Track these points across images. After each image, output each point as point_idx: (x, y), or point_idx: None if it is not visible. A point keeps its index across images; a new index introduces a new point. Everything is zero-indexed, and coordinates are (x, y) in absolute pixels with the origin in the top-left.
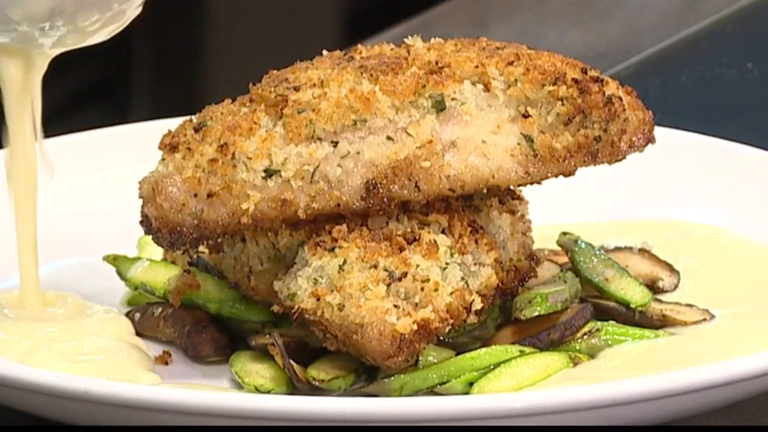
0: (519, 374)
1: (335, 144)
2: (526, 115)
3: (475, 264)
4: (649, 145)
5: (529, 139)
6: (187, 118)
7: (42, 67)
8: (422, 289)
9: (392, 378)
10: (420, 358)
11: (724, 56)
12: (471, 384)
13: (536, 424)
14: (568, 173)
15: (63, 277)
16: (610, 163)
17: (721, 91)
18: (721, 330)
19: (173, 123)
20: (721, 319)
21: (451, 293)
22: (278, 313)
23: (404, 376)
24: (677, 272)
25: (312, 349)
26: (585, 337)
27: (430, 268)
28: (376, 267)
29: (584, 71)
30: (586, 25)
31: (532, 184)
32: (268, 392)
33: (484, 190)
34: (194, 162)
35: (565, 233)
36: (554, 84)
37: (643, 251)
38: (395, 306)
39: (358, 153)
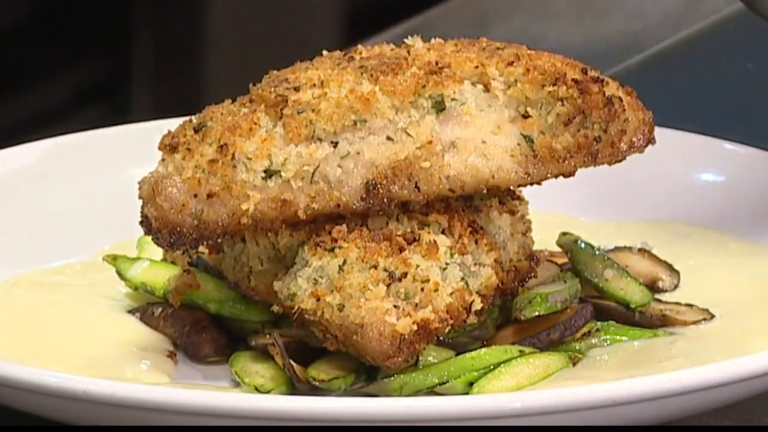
0: (519, 374)
1: (335, 144)
2: (526, 116)
3: (475, 264)
4: (649, 145)
5: (529, 140)
6: (187, 118)
7: None
8: (422, 289)
9: (392, 378)
10: (420, 358)
11: (724, 56)
12: (471, 384)
13: (536, 424)
14: (568, 174)
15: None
16: (610, 163)
17: (721, 91)
18: (721, 330)
19: (173, 123)
20: (721, 319)
21: (451, 293)
22: (278, 313)
23: (404, 376)
24: (677, 272)
25: (312, 349)
26: (585, 337)
27: (430, 269)
28: (376, 267)
29: (584, 71)
30: (586, 25)
31: (532, 184)
32: (268, 392)
33: (484, 191)
34: (194, 162)
35: (565, 233)
36: (554, 84)
37: (643, 251)
38: (395, 306)
39: (358, 153)
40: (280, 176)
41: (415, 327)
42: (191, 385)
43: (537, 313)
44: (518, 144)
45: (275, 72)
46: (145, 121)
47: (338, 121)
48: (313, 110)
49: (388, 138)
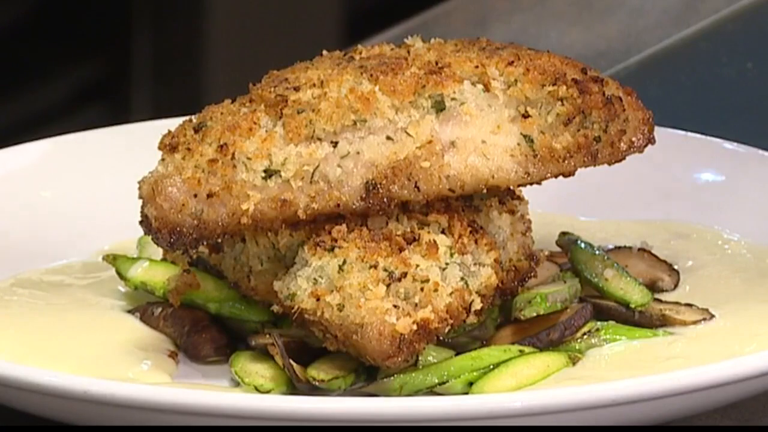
0: (519, 374)
1: (335, 144)
2: (526, 116)
3: (474, 264)
4: (649, 145)
5: (529, 140)
6: (187, 118)
7: None
8: (422, 289)
9: (392, 378)
10: (420, 358)
11: (724, 56)
12: (471, 384)
13: (536, 424)
14: (568, 173)
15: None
16: (610, 163)
17: (721, 91)
18: (721, 330)
19: (173, 123)
20: (721, 319)
21: (451, 293)
22: (278, 313)
23: (404, 376)
24: (677, 272)
25: (312, 349)
26: (585, 337)
27: (429, 268)
28: (375, 267)
29: (584, 71)
30: (586, 25)
31: (532, 184)
32: (268, 392)
33: (484, 191)
34: (194, 162)
35: (564, 233)
36: (554, 84)
37: (643, 251)
38: (395, 306)
39: (358, 153)
40: (280, 176)
41: (414, 327)
42: (191, 385)
43: (537, 313)
44: (518, 144)
45: (275, 72)
46: (145, 121)
47: (338, 121)
48: (313, 110)
49: (388, 138)
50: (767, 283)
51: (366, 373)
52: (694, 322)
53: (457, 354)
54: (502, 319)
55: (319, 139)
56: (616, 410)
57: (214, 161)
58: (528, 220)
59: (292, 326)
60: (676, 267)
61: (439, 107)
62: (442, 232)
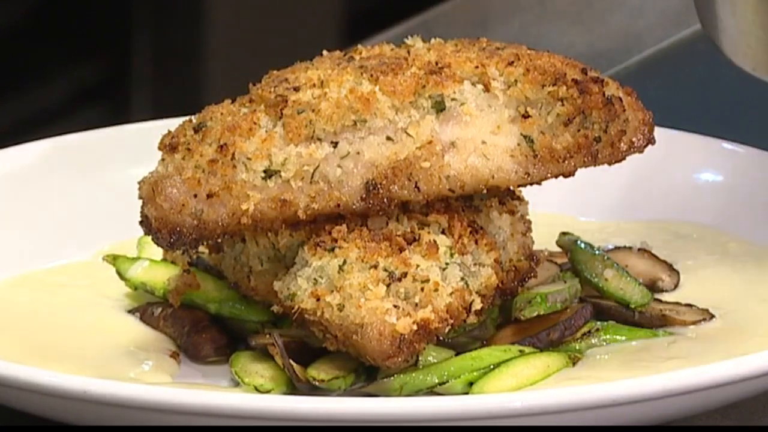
0: (519, 374)
1: (335, 144)
2: (526, 116)
3: (474, 264)
4: (649, 145)
5: (529, 140)
6: (187, 118)
7: None
8: (422, 289)
9: (392, 378)
10: (420, 358)
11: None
12: (471, 384)
13: (536, 424)
14: (568, 174)
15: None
16: (610, 163)
17: (721, 91)
18: (721, 330)
19: (173, 123)
20: (721, 319)
21: (451, 293)
22: (278, 313)
23: (404, 376)
24: (677, 272)
25: (312, 349)
26: (585, 337)
27: (429, 269)
28: (375, 267)
29: (584, 71)
30: (586, 25)
31: (532, 184)
32: (268, 392)
33: (484, 191)
34: (194, 162)
35: (564, 233)
36: (554, 84)
37: (643, 251)
38: (395, 306)
39: (358, 153)
40: (280, 176)
41: (415, 327)
42: (190, 385)
43: (537, 313)
44: (518, 144)
45: (275, 72)
46: (145, 121)
47: (338, 121)
48: (313, 110)
49: (388, 138)
50: (767, 282)
51: (366, 373)
52: (694, 322)
53: (457, 354)
54: (502, 319)
55: (319, 140)
56: (616, 410)
57: (214, 161)
58: (528, 220)
59: (292, 326)
60: (676, 267)
61: (439, 107)
62: (442, 232)
